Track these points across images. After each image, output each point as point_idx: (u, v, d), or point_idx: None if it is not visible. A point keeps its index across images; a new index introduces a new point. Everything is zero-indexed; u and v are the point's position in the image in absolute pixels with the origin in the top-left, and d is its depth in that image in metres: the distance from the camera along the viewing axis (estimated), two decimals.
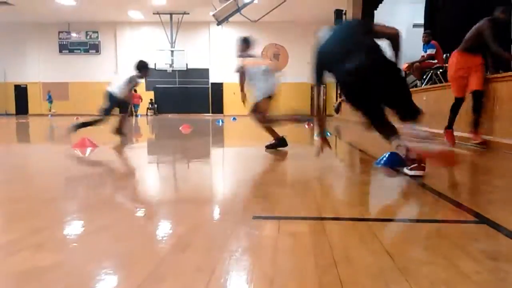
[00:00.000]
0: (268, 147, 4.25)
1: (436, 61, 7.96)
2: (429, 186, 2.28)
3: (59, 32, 23.90)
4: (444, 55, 8.12)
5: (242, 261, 1.16)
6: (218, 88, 23.41)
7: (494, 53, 4.37)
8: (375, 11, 13.00)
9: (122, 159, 3.95)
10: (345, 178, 2.90)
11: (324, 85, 2.92)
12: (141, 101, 22.09)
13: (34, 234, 1.41)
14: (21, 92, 24.48)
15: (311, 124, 10.46)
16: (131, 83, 5.31)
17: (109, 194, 2.25)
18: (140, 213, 1.78)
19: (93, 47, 23.95)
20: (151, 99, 23.51)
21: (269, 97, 4.14)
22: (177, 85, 23.84)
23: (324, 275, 1.05)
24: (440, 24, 8.73)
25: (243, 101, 4.52)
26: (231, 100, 23.91)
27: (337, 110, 11.68)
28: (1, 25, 23.09)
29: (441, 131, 4.87)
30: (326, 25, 3.26)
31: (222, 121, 12.76)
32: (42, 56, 24.11)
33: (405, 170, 2.62)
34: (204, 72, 23.66)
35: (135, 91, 22.16)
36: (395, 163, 2.92)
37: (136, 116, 20.98)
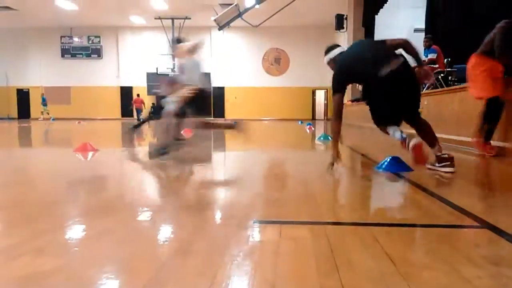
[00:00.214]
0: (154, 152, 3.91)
1: (437, 65, 7.96)
2: (431, 191, 2.28)
3: (61, 37, 24.06)
4: (445, 60, 8.13)
5: (244, 265, 1.16)
6: (219, 92, 23.46)
7: (498, 58, 3.97)
8: (376, 16, 13.04)
9: (123, 163, 3.96)
10: (346, 182, 2.90)
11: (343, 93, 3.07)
12: (144, 105, 22.16)
13: (35, 238, 1.41)
14: (23, 96, 24.59)
15: (312, 128, 10.46)
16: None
17: (110, 198, 2.25)
18: (142, 217, 1.78)
19: (95, 52, 24.09)
20: (152, 103, 23.56)
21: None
22: None
23: (326, 279, 1.05)
24: (441, 29, 8.75)
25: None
26: (232, 104, 23.99)
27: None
28: (4, 30, 23.25)
29: (441, 135, 4.83)
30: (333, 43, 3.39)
31: None
32: (44, 61, 24.25)
33: (435, 166, 2.92)
34: (206, 77, 23.71)
35: (138, 95, 22.30)
36: (396, 168, 2.92)
37: (138, 120, 21.03)
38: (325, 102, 23.51)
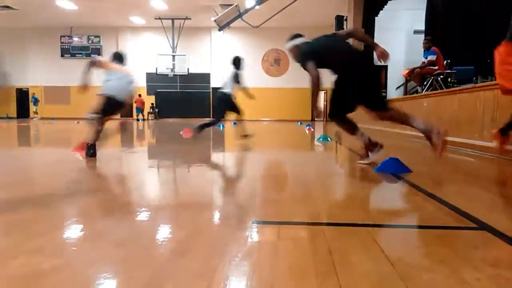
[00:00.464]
0: None
1: (436, 67, 7.98)
2: (429, 192, 2.28)
3: (61, 37, 24.04)
4: (445, 62, 8.15)
5: (242, 266, 1.15)
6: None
7: None
8: (375, 18, 13.06)
9: (122, 163, 3.96)
10: (345, 183, 2.90)
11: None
12: (144, 106, 22.15)
13: (34, 238, 1.41)
14: (22, 96, 24.56)
15: (312, 129, 10.47)
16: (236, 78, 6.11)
17: (109, 199, 2.25)
18: (140, 217, 1.78)
19: (94, 52, 24.06)
20: (152, 104, 23.57)
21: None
22: (178, 90, 23.90)
23: (324, 280, 1.05)
24: (440, 30, 8.76)
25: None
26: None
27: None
28: (4, 29, 23.24)
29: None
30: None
31: (223, 126, 12.76)
32: (44, 60, 24.23)
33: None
34: (205, 77, 23.73)
35: (139, 95, 22.27)
36: (394, 169, 2.92)
37: (138, 120, 21.02)
38: (325, 103, 23.50)
